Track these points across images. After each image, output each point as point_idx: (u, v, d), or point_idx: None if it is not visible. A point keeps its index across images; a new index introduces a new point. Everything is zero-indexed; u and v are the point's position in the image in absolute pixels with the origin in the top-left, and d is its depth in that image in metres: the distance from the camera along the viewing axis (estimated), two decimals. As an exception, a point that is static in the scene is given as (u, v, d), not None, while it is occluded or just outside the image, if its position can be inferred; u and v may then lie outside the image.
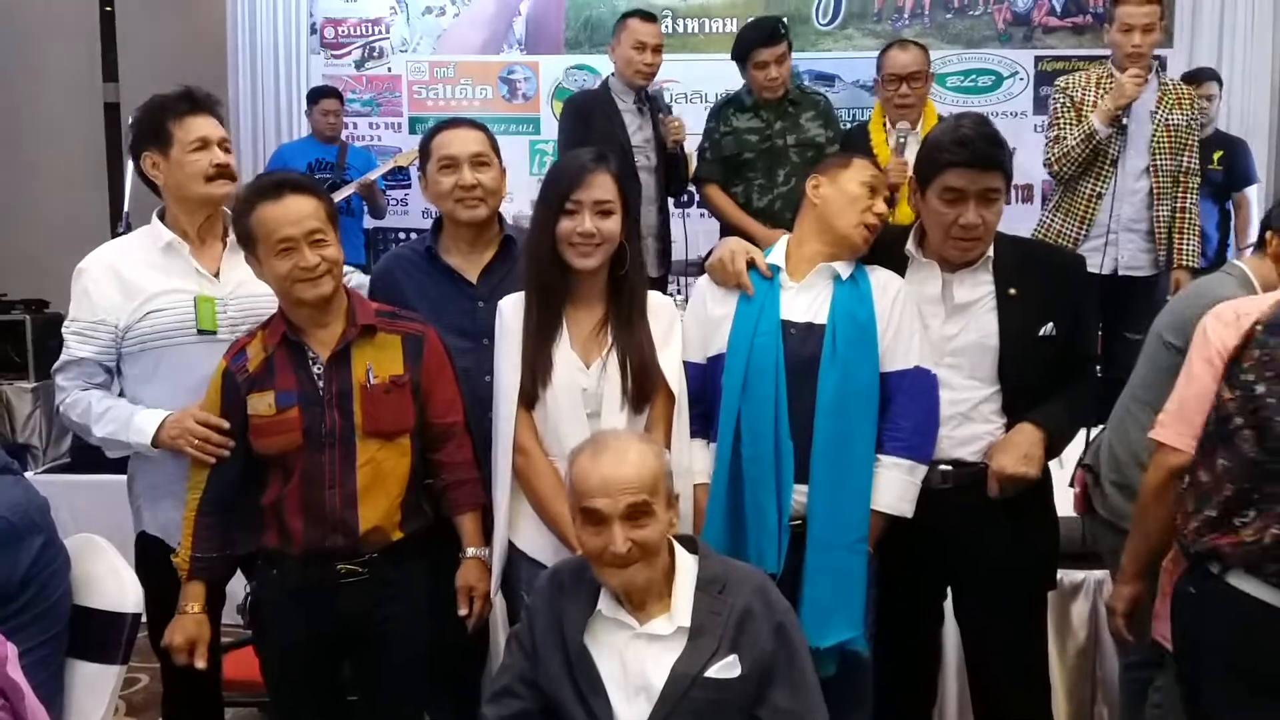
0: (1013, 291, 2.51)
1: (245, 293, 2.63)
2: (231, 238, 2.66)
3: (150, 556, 2.69)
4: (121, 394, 2.69)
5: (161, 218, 2.73)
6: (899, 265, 2.59)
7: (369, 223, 6.17)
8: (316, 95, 6.07)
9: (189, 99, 2.70)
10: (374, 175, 5.77)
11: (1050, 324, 2.51)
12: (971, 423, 2.53)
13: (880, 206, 2.53)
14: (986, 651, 2.64)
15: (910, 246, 2.59)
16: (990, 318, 2.52)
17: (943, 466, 2.52)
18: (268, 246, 2.38)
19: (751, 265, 2.57)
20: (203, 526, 2.48)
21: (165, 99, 2.70)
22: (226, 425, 2.47)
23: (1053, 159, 4.23)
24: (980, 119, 2.54)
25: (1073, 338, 2.55)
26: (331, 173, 5.92)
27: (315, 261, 2.39)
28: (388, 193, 6.26)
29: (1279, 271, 2.61)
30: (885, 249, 2.60)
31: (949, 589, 2.71)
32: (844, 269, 2.52)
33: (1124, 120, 4.10)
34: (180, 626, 2.48)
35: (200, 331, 2.62)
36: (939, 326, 2.54)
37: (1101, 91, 4.14)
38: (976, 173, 2.42)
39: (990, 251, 2.53)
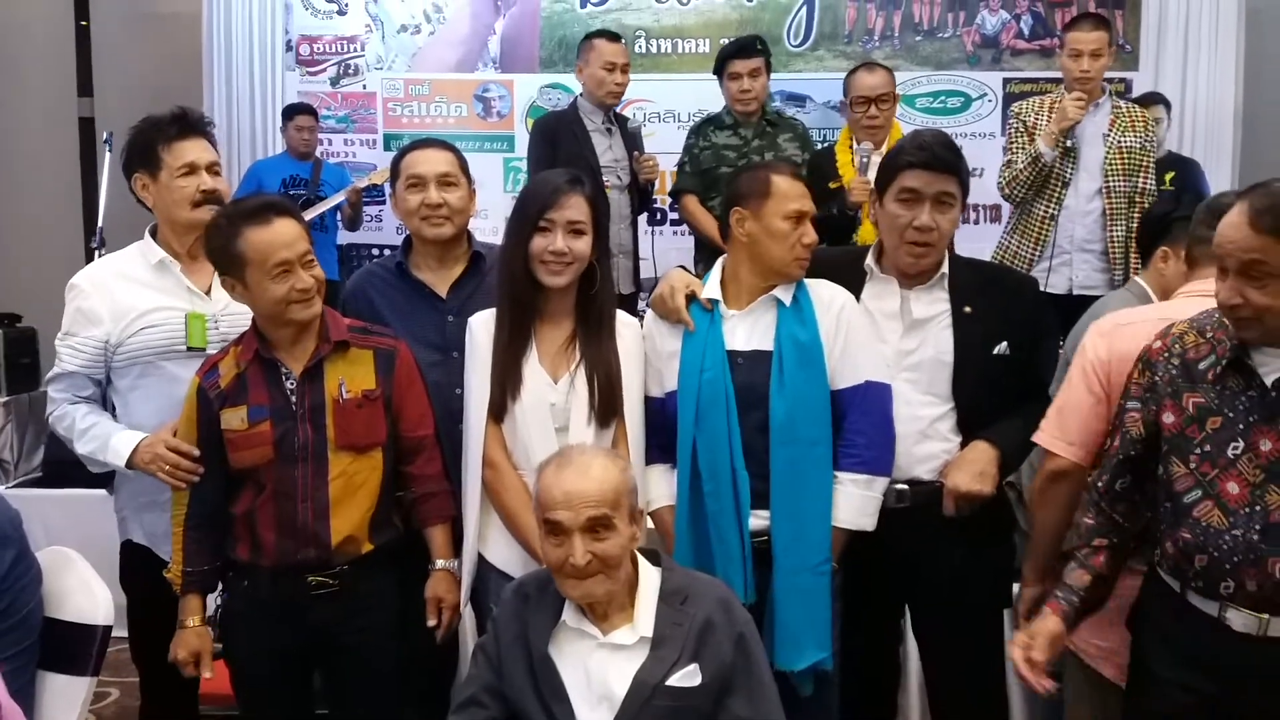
0: (968, 309, 2.55)
1: (236, 310, 2.66)
2: None
3: (136, 565, 2.73)
4: (111, 406, 2.72)
5: (155, 234, 2.75)
6: (858, 284, 2.62)
7: (342, 238, 6.19)
8: (291, 112, 6.10)
9: (180, 122, 2.72)
10: (362, 184, 5.81)
11: (1004, 343, 2.54)
12: (929, 441, 2.55)
13: (810, 235, 2.52)
14: (944, 668, 2.67)
15: (870, 262, 2.62)
16: (946, 334, 2.55)
17: (899, 485, 2.55)
18: (262, 270, 2.40)
19: (692, 298, 2.59)
20: (191, 541, 2.51)
21: (158, 121, 2.72)
22: (197, 453, 2.50)
23: (1004, 182, 4.33)
24: (939, 131, 2.61)
25: (1030, 358, 2.57)
26: (306, 189, 5.94)
27: (310, 283, 2.43)
28: (364, 208, 6.31)
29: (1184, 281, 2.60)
30: (844, 269, 2.64)
31: (907, 607, 2.74)
32: (785, 294, 2.53)
33: (1068, 143, 4.19)
34: (183, 641, 2.52)
35: (190, 348, 2.65)
36: (897, 341, 2.57)
37: (1054, 115, 4.23)
38: (933, 175, 2.48)
39: (945, 269, 2.57)
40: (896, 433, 2.54)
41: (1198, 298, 2.32)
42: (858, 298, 2.60)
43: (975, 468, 2.48)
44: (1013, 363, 2.55)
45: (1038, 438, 2.40)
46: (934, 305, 2.58)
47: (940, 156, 2.49)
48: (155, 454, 2.53)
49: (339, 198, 5.80)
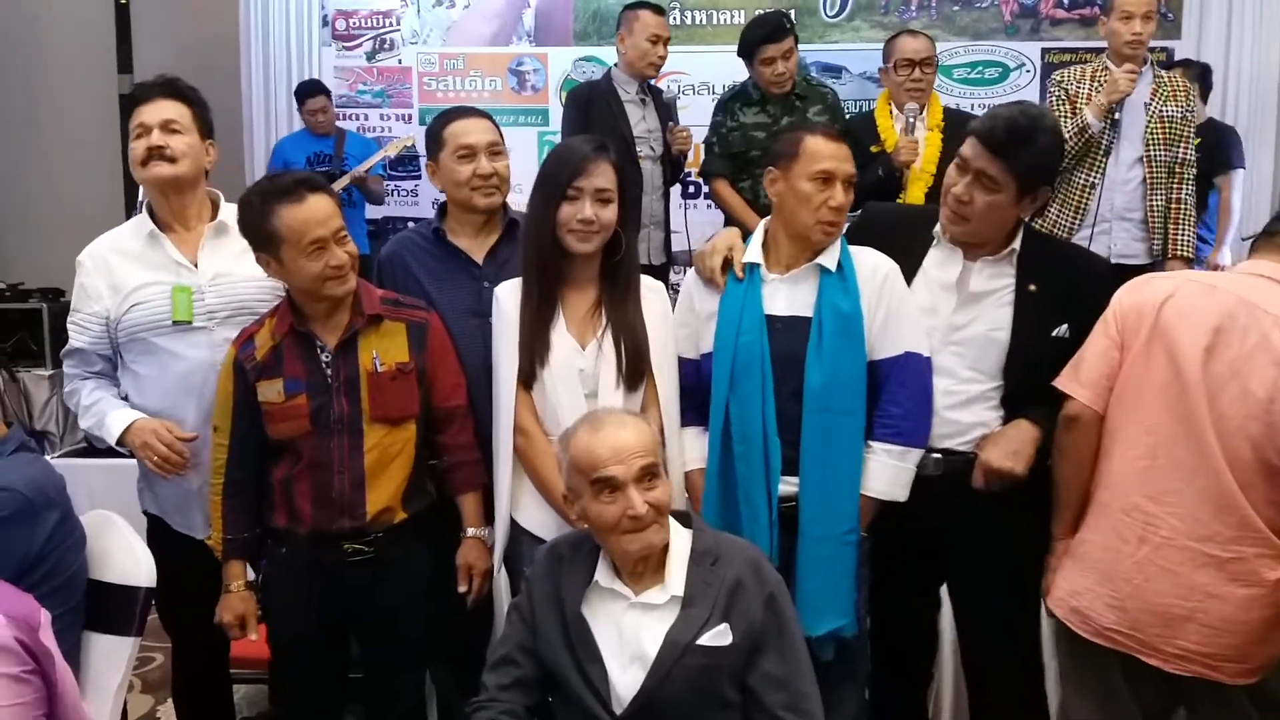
0: (1033, 288, 2.50)
1: (224, 280, 2.68)
2: (213, 224, 2.71)
3: (154, 534, 2.76)
4: (118, 382, 2.76)
5: (152, 208, 2.76)
6: (923, 247, 2.57)
7: (377, 212, 6.21)
8: (302, 95, 6.02)
9: (147, 85, 2.71)
10: (363, 169, 5.78)
11: (1065, 325, 2.47)
12: (968, 412, 2.52)
13: (838, 197, 2.46)
14: (979, 637, 2.65)
15: (938, 228, 2.57)
16: (1005, 311, 2.50)
17: (934, 454, 2.52)
18: (298, 248, 2.41)
19: (729, 263, 2.57)
20: (229, 510, 2.55)
21: (135, 88, 2.74)
22: (189, 454, 2.57)
23: None
24: (1025, 112, 2.49)
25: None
26: (330, 164, 5.93)
27: (344, 259, 2.45)
28: (398, 183, 6.33)
29: None
30: (912, 227, 2.60)
31: (943, 575, 2.71)
32: (828, 260, 2.50)
33: (1116, 115, 4.13)
34: (228, 605, 2.57)
35: (175, 323, 2.66)
36: (948, 313, 2.53)
37: (1096, 85, 4.17)
38: (981, 150, 2.43)
39: (1017, 245, 2.52)
40: (936, 403, 2.51)
41: (1243, 275, 2.29)
42: (920, 261, 2.56)
43: (1011, 446, 2.45)
44: (1071, 346, 2.42)
45: (1058, 382, 2.35)
46: (996, 280, 2.53)
47: (997, 136, 2.42)
48: (144, 441, 2.58)
49: (356, 173, 5.79)
